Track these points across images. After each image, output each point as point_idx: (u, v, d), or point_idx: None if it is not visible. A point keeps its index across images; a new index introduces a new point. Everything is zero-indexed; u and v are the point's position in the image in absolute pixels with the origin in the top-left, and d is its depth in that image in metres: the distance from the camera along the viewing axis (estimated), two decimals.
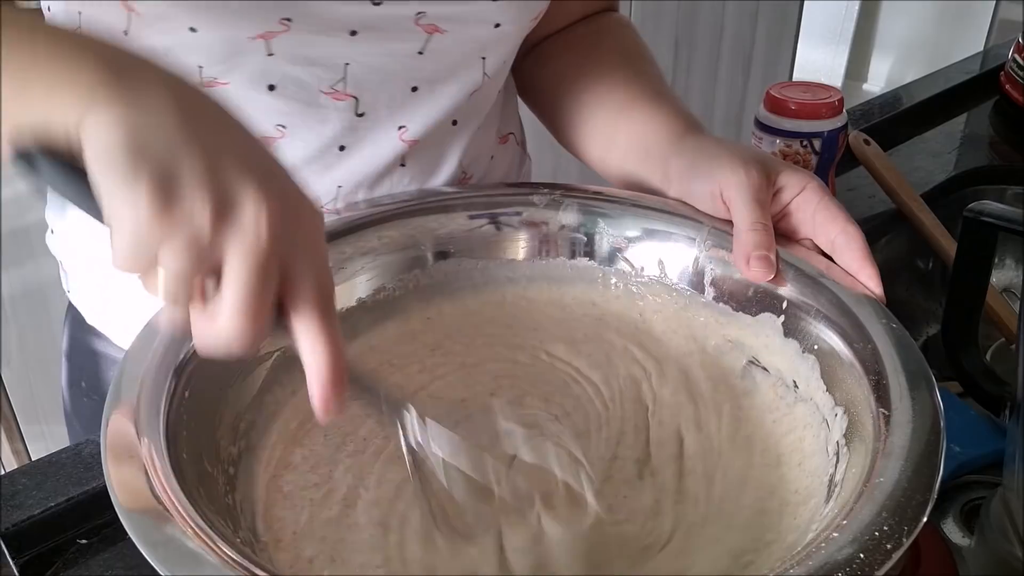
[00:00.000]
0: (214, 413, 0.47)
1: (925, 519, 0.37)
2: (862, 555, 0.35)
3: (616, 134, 0.66)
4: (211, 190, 0.35)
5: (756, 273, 0.53)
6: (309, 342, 0.38)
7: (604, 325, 0.60)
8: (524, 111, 0.78)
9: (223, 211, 0.35)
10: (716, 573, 0.43)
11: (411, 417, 0.44)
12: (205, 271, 0.36)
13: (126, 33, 0.56)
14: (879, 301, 0.50)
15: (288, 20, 0.54)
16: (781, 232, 0.56)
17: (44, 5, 0.62)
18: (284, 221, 0.36)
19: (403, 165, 0.64)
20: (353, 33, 0.57)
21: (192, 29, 0.54)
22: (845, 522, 0.37)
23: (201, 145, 0.36)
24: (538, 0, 0.62)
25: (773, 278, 0.54)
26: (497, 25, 0.60)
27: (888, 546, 0.35)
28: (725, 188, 0.55)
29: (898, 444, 0.41)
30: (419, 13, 0.57)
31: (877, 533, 0.36)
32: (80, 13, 0.58)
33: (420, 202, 0.61)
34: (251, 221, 0.35)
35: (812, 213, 0.54)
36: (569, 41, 0.72)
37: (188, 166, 0.35)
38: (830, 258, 0.54)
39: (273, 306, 0.37)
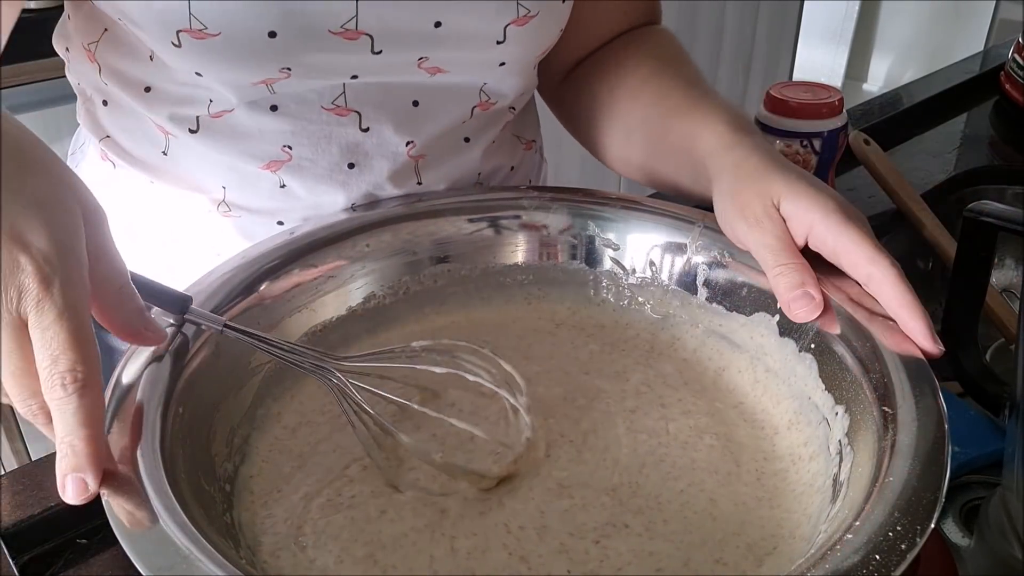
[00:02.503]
0: (208, 429, 0.47)
1: (936, 517, 0.37)
2: (878, 556, 0.35)
3: (665, 153, 0.63)
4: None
5: (800, 314, 0.50)
6: (55, 420, 0.38)
7: (594, 329, 0.60)
8: (543, 115, 0.78)
9: None
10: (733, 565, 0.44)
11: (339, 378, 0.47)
12: None
13: (151, 59, 0.57)
14: (933, 356, 0.46)
15: (288, 69, 0.55)
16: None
17: (67, 10, 0.62)
18: (29, 292, 0.37)
19: (420, 183, 0.64)
20: (354, 77, 0.57)
21: (198, 74, 0.55)
22: (858, 523, 0.37)
23: None
24: (544, 34, 0.61)
25: (825, 316, 0.49)
26: (502, 64, 0.60)
27: (903, 546, 0.36)
28: (737, 236, 0.54)
29: (905, 443, 0.41)
30: (421, 58, 0.57)
31: (891, 533, 0.36)
32: (105, 30, 0.59)
33: (408, 207, 0.61)
34: None
35: (833, 254, 0.50)
36: (603, 61, 0.69)
37: None
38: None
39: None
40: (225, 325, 0.47)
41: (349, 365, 0.49)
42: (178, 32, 0.52)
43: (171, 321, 0.47)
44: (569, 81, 0.72)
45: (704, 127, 0.59)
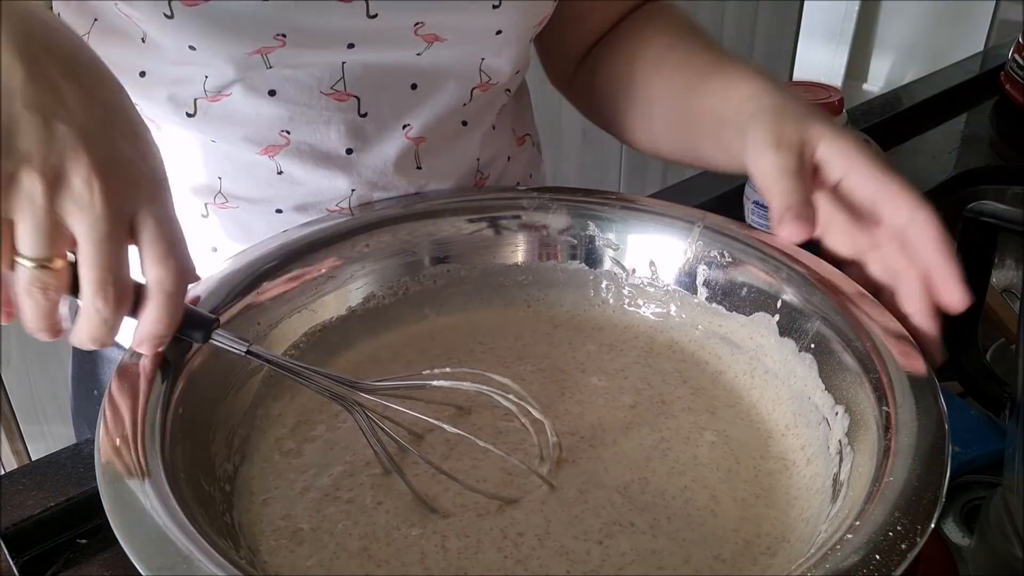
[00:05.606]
0: (208, 429, 0.47)
1: (936, 517, 0.37)
2: (878, 556, 0.35)
3: (689, 121, 0.62)
4: (41, 164, 0.37)
5: (790, 230, 0.50)
6: (143, 313, 0.42)
7: (592, 330, 0.60)
8: (539, 114, 0.78)
9: (56, 186, 0.37)
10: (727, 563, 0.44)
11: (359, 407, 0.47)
12: (61, 251, 0.39)
13: (143, 41, 0.56)
14: (955, 310, 0.47)
15: (283, 36, 0.54)
16: (851, 214, 0.51)
17: (56, 8, 0.62)
18: (118, 183, 0.38)
19: (419, 168, 0.64)
20: (351, 46, 0.57)
21: (191, 47, 0.54)
22: (858, 523, 0.37)
23: (36, 105, 0.37)
24: (539, 2, 0.62)
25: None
26: (498, 32, 0.60)
27: (903, 546, 0.36)
28: (756, 175, 0.53)
29: (905, 443, 0.41)
30: (417, 23, 0.57)
31: (891, 533, 0.36)
32: (95, 20, 0.59)
33: (408, 208, 0.61)
34: (84, 193, 0.38)
35: (871, 201, 0.50)
36: (616, 41, 0.70)
37: (20, 134, 0.36)
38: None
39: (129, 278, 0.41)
40: (248, 351, 0.46)
41: (373, 399, 0.48)
42: (170, 1, 0.51)
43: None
44: (584, 67, 0.72)
45: (740, 81, 0.58)
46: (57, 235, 0.38)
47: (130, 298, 0.41)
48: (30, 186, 0.37)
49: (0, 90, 0.36)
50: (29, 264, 0.39)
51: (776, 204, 0.51)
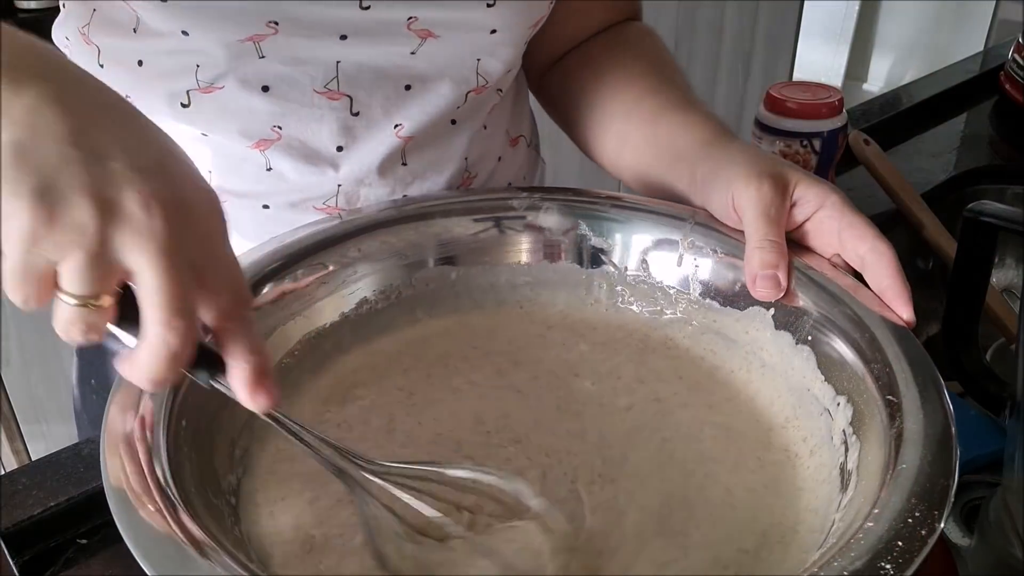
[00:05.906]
0: (210, 442, 0.46)
1: (951, 502, 0.38)
2: (900, 543, 0.36)
3: (647, 141, 0.64)
4: (94, 196, 0.34)
5: (761, 292, 0.53)
6: (231, 345, 0.39)
7: (585, 330, 0.59)
8: (539, 115, 0.78)
9: (110, 216, 0.34)
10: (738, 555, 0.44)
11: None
12: (111, 287, 0.35)
13: (135, 31, 0.57)
14: (908, 326, 0.49)
15: (275, 23, 0.54)
16: (808, 248, 0.54)
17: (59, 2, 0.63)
18: (178, 215, 0.35)
19: (405, 164, 0.64)
20: (343, 37, 0.57)
21: (184, 32, 0.55)
22: (877, 511, 0.37)
23: (86, 147, 0.34)
24: (535, 3, 0.62)
25: (785, 296, 0.52)
26: (493, 31, 0.60)
27: (923, 532, 0.36)
28: (737, 201, 0.55)
29: (913, 429, 0.41)
30: (411, 18, 0.57)
31: (910, 520, 0.37)
32: (94, 10, 0.59)
33: (397, 210, 0.61)
34: (143, 220, 0.34)
35: (837, 231, 0.53)
36: (593, 51, 0.71)
37: (69, 173, 0.33)
38: (860, 276, 0.52)
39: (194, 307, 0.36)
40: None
41: (378, 481, 0.44)
42: None
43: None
44: (556, 72, 0.72)
45: (705, 123, 0.61)
46: (109, 270, 0.35)
47: (196, 334, 0.37)
48: (81, 216, 0.33)
49: (47, 138, 0.34)
50: (72, 302, 0.35)
51: (754, 260, 0.53)
